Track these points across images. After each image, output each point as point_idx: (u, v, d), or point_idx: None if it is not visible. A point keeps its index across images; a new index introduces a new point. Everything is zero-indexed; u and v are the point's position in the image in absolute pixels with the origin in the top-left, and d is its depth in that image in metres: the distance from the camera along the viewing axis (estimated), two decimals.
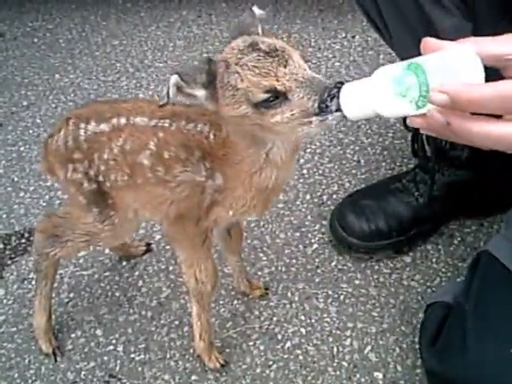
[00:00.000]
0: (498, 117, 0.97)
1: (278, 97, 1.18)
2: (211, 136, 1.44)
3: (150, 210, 1.62)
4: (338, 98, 1.12)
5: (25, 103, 3.05)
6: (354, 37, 3.26)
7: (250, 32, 1.27)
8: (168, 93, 1.20)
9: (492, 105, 0.94)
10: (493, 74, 1.00)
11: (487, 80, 0.96)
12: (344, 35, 3.28)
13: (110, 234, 1.68)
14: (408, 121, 1.04)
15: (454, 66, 0.96)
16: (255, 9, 1.31)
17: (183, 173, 1.47)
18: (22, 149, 2.75)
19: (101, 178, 1.56)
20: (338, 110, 1.13)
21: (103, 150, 1.53)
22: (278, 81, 1.16)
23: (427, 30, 1.55)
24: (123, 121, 1.51)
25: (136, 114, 1.51)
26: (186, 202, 1.52)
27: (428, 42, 1.03)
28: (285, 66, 1.17)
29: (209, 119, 1.44)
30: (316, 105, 1.16)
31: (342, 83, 1.12)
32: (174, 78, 1.20)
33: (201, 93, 1.24)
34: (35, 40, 3.55)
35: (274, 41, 1.23)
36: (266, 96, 1.18)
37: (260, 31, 1.28)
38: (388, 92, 1.02)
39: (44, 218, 1.88)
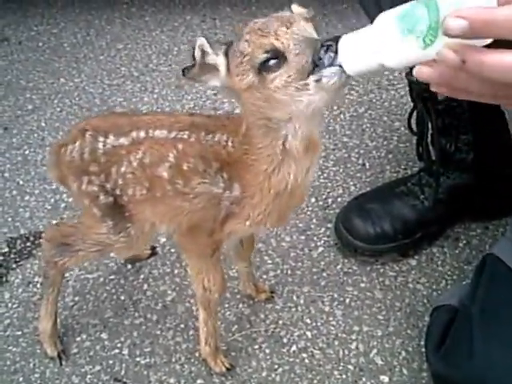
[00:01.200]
0: None
1: (277, 57, 1.17)
2: (229, 144, 1.43)
3: (167, 222, 1.60)
4: (334, 52, 1.07)
5: (30, 107, 3.05)
6: None
7: None
8: (193, 54, 1.21)
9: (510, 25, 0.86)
10: None
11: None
12: None
13: (125, 246, 1.66)
14: (415, 71, 0.94)
15: None
16: (294, 7, 1.29)
17: (201, 184, 1.46)
18: (26, 152, 2.75)
19: (118, 192, 1.55)
20: (336, 65, 1.08)
21: (121, 163, 1.51)
22: (277, 39, 1.16)
23: None
24: (142, 134, 1.49)
25: (155, 127, 1.50)
26: (200, 213, 1.51)
27: None
28: (287, 28, 1.16)
29: (227, 129, 1.44)
30: (310, 60, 1.14)
31: (339, 37, 1.07)
32: (201, 40, 1.22)
33: (222, 61, 1.25)
34: (40, 44, 3.56)
35: (289, 13, 1.22)
36: (266, 56, 1.18)
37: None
38: (393, 29, 0.94)
39: (51, 226, 1.87)
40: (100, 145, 1.52)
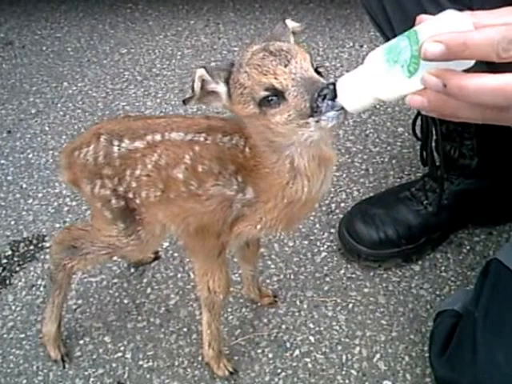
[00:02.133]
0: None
1: (276, 95, 1.19)
2: (247, 150, 1.43)
3: (178, 223, 1.59)
4: (332, 97, 1.12)
5: (33, 111, 3.06)
6: (361, 46, 3.28)
7: (280, 41, 1.27)
8: (193, 86, 1.22)
9: (485, 47, 0.91)
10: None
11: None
12: (352, 44, 3.30)
13: (136, 249, 1.67)
14: (406, 100, 0.99)
15: (445, 24, 0.94)
16: (288, 21, 1.32)
17: (215, 186, 1.46)
18: (30, 156, 2.76)
19: (130, 195, 1.55)
20: (333, 109, 1.13)
21: (136, 166, 1.51)
22: (276, 79, 1.18)
23: None
24: (158, 137, 1.49)
25: (171, 129, 1.50)
26: (210, 215, 1.51)
27: (422, 16, 1.03)
28: (285, 66, 1.18)
29: (244, 133, 1.44)
30: (308, 104, 1.16)
31: (334, 83, 1.12)
32: (200, 72, 1.23)
33: (223, 89, 1.26)
34: (44, 48, 3.57)
35: (286, 44, 1.24)
36: (265, 94, 1.19)
37: (292, 41, 1.29)
38: (380, 62, 1.00)
39: (63, 229, 1.88)
40: (115, 148, 1.52)
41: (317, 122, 1.17)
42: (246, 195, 1.46)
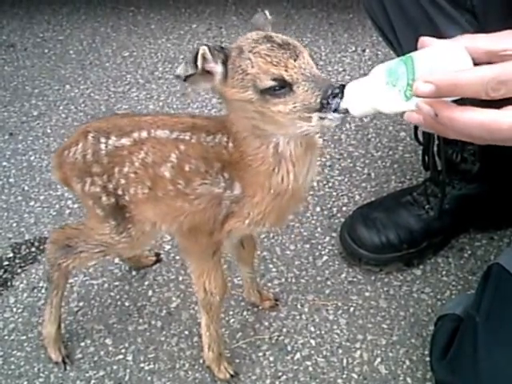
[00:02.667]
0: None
1: (283, 87, 1.23)
2: (230, 145, 1.45)
3: (168, 222, 1.62)
4: (340, 98, 1.19)
5: (35, 113, 3.06)
6: (364, 50, 3.29)
7: (263, 30, 1.33)
8: (195, 63, 1.24)
9: (475, 88, 0.98)
10: None
11: None
12: (354, 49, 3.31)
13: (127, 246, 1.69)
14: (405, 116, 1.09)
15: (441, 57, 1.03)
16: (267, 12, 1.38)
17: (202, 185, 1.48)
18: (32, 158, 2.77)
19: (120, 192, 1.56)
20: (338, 111, 1.20)
21: (124, 163, 1.53)
22: (286, 71, 1.22)
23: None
24: (144, 134, 1.51)
25: (157, 126, 1.52)
26: (201, 214, 1.53)
27: (424, 40, 1.11)
28: (295, 60, 1.23)
29: (228, 130, 1.45)
30: (318, 100, 1.21)
31: (344, 85, 1.19)
32: (203, 49, 1.25)
33: (220, 70, 1.28)
34: (46, 51, 3.57)
35: (289, 38, 1.28)
36: (272, 84, 1.23)
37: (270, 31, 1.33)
38: (381, 82, 1.09)
39: (57, 229, 1.89)
40: (102, 146, 1.54)
41: (321, 118, 1.23)
42: (233, 191, 1.48)
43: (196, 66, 1.25)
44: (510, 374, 1.44)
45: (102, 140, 1.54)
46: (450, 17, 1.68)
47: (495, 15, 1.68)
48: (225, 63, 1.28)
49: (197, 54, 1.24)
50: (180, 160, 1.49)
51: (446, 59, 1.02)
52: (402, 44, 1.85)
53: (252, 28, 1.34)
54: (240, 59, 1.26)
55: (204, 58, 1.25)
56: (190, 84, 1.30)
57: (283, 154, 1.38)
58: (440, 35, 1.66)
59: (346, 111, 1.19)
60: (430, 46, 1.09)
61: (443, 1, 1.68)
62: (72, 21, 3.84)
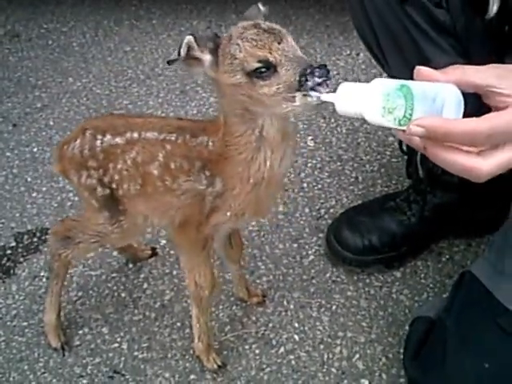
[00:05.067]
0: None
1: (268, 68, 1.30)
2: (210, 144, 1.56)
3: (158, 216, 1.74)
4: (320, 77, 1.25)
5: (39, 105, 3.15)
6: (358, 54, 3.36)
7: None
8: (179, 51, 1.34)
9: (463, 139, 1.09)
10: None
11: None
12: (349, 52, 3.40)
13: (119, 236, 1.80)
14: (393, 131, 1.19)
15: (438, 99, 1.10)
16: (260, 5, 1.47)
17: (187, 182, 1.60)
18: (35, 150, 2.86)
19: (114, 186, 1.68)
20: (319, 89, 1.26)
21: (117, 161, 1.65)
22: (270, 53, 1.30)
23: (423, 65, 1.67)
24: (136, 135, 1.63)
25: (147, 129, 1.64)
26: (189, 208, 1.65)
27: (420, 70, 1.18)
28: (279, 43, 1.31)
29: (208, 131, 1.57)
30: (297, 78, 1.28)
31: (326, 65, 1.25)
32: (188, 39, 1.34)
33: (207, 57, 1.37)
34: (50, 42, 3.66)
35: (276, 25, 1.36)
36: (258, 65, 1.31)
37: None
38: (377, 104, 1.14)
39: (58, 221, 2.01)
40: (98, 143, 1.66)
41: (304, 95, 1.29)
42: (215, 187, 1.58)
43: (179, 53, 1.35)
44: (476, 375, 1.54)
45: (99, 137, 1.66)
46: (433, 41, 1.77)
47: (477, 39, 1.78)
48: (215, 51, 1.37)
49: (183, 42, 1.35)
50: (167, 159, 1.61)
51: (443, 103, 1.10)
52: (389, 64, 1.95)
53: (245, 18, 1.43)
54: (230, 45, 1.34)
55: (189, 47, 1.35)
56: (185, 66, 1.39)
57: (265, 139, 1.46)
58: (424, 58, 1.78)
59: (333, 90, 1.24)
60: (426, 77, 1.16)
61: (427, 25, 1.78)
62: (76, 13, 3.93)
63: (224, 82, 1.39)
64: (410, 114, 1.11)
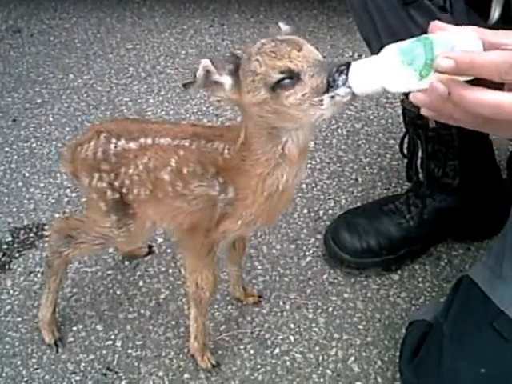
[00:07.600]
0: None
1: (291, 77, 1.28)
2: (226, 152, 1.55)
3: (168, 220, 1.73)
4: (347, 75, 1.21)
5: (38, 100, 3.15)
6: (360, 56, 3.34)
7: None
8: (195, 74, 1.32)
9: (489, 69, 1.05)
10: None
11: None
12: (351, 54, 3.39)
13: (125, 240, 1.79)
14: (411, 96, 1.13)
15: (458, 42, 1.09)
16: (281, 24, 1.43)
17: (199, 187, 1.59)
18: (33, 145, 2.85)
19: (124, 190, 1.67)
20: (347, 86, 1.22)
21: (129, 165, 1.64)
22: (291, 62, 1.27)
23: None
24: (149, 141, 1.62)
25: (161, 135, 1.62)
26: (199, 214, 1.63)
27: (436, 23, 1.15)
28: (298, 51, 1.28)
29: (225, 138, 1.56)
30: (325, 80, 1.25)
31: (350, 62, 1.21)
32: (205, 62, 1.32)
33: (227, 80, 1.36)
34: (51, 38, 3.66)
35: (294, 36, 1.35)
36: (280, 76, 1.28)
37: None
38: (395, 61, 1.11)
39: (61, 219, 1.99)
40: (112, 146, 1.65)
41: (332, 97, 1.26)
42: (227, 195, 1.57)
43: (194, 76, 1.33)
44: (472, 379, 1.54)
45: (113, 141, 1.65)
46: None
47: None
48: (236, 72, 1.35)
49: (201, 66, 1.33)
50: (179, 164, 1.59)
51: (462, 43, 1.08)
52: None
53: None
54: (249, 62, 1.33)
55: (207, 71, 1.33)
56: (205, 91, 1.38)
57: (286, 156, 1.45)
58: None
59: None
60: (443, 30, 1.13)
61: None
62: (78, 9, 3.93)
63: (248, 102, 1.36)
64: (432, 60, 1.08)
